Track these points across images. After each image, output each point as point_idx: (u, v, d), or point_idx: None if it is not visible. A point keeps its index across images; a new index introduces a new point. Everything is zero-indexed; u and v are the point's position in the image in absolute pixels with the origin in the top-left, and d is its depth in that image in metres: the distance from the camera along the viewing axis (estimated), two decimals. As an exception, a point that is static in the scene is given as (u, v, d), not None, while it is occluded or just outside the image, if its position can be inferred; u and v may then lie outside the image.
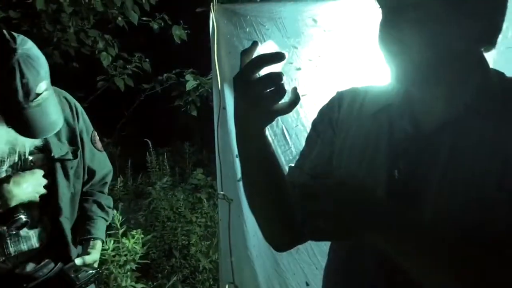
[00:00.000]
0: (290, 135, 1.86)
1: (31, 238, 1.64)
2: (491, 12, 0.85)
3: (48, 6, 3.56)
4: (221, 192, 2.00)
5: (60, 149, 1.64)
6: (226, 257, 1.99)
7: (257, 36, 1.95)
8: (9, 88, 1.34)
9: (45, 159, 1.62)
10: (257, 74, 0.83)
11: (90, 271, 1.65)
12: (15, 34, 1.40)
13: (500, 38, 0.90)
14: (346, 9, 1.79)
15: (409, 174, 0.88)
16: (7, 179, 1.51)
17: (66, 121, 1.64)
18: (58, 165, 1.64)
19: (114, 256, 2.89)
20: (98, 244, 1.78)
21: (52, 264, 1.70)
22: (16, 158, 1.56)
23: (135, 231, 3.07)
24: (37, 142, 1.56)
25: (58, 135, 1.63)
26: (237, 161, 1.94)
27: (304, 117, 1.85)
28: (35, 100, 1.39)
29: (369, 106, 1.00)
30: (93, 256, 1.73)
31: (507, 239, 0.77)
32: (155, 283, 3.34)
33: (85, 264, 1.67)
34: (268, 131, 0.95)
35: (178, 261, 3.59)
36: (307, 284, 1.85)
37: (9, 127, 1.43)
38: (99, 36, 4.02)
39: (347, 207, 0.79)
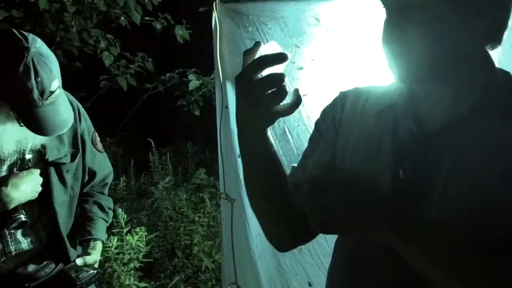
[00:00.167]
0: (292, 135, 1.86)
1: (30, 237, 1.64)
2: (495, 9, 0.84)
3: (51, 5, 3.57)
4: (224, 192, 2.00)
5: (58, 151, 1.63)
6: (229, 257, 1.99)
7: (260, 35, 1.94)
8: (24, 87, 1.35)
9: (40, 160, 1.62)
10: (259, 75, 0.83)
11: (91, 271, 1.65)
12: (25, 33, 1.41)
13: (505, 36, 0.90)
14: (349, 8, 1.78)
15: (414, 174, 0.88)
16: (5, 182, 1.50)
17: None
18: (51, 168, 1.63)
19: (117, 254, 2.89)
20: (99, 245, 1.78)
21: (53, 265, 1.71)
22: (16, 157, 1.56)
23: (139, 228, 3.07)
24: (39, 142, 1.55)
25: (60, 136, 1.62)
26: (240, 161, 1.93)
27: (306, 117, 1.84)
28: (49, 98, 1.40)
29: (372, 106, 0.99)
30: (94, 256, 1.73)
31: None
32: (157, 283, 3.34)
33: (85, 265, 1.68)
34: (269, 131, 0.94)
35: (181, 260, 3.59)
36: (310, 285, 1.84)
37: (22, 126, 1.43)
38: (101, 36, 4.02)
39: (351, 204, 0.79)
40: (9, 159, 1.54)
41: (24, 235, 1.63)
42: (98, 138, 1.82)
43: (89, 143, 1.75)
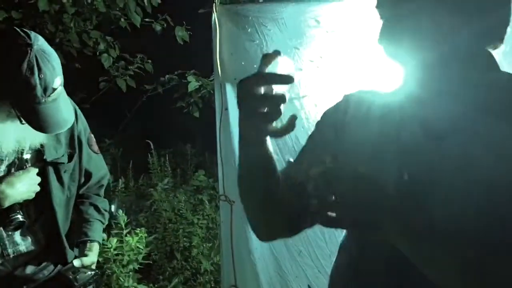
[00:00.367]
0: (290, 137, 1.85)
1: (28, 239, 1.63)
2: (495, 9, 0.85)
3: (50, 6, 3.57)
4: (223, 194, 1.99)
5: (55, 151, 1.63)
6: (228, 259, 1.98)
7: (259, 36, 1.94)
8: (28, 84, 1.35)
9: (38, 160, 1.62)
10: (260, 88, 0.83)
11: (89, 272, 1.65)
12: (26, 30, 1.41)
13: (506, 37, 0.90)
14: (349, 10, 1.78)
15: (418, 177, 0.87)
16: (0, 180, 1.50)
17: None
18: (50, 168, 1.63)
19: (116, 255, 2.88)
20: (95, 246, 1.78)
21: (52, 266, 1.70)
22: (15, 157, 1.56)
23: (138, 229, 3.06)
24: (38, 142, 1.55)
25: (57, 136, 1.62)
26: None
27: (305, 118, 1.84)
28: (51, 95, 1.40)
29: (377, 109, 0.99)
30: (91, 258, 1.73)
31: None
32: (156, 285, 3.33)
33: (83, 266, 1.67)
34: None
35: (180, 263, 3.58)
36: (309, 287, 1.84)
37: (23, 124, 1.43)
38: (101, 38, 4.02)
39: (358, 196, 0.80)
40: (7, 158, 1.54)
41: (22, 237, 1.62)
42: (94, 140, 1.81)
43: (85, 144, 1.75)
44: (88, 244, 1.76)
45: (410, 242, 0.80)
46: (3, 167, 1.54)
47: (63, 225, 1.70)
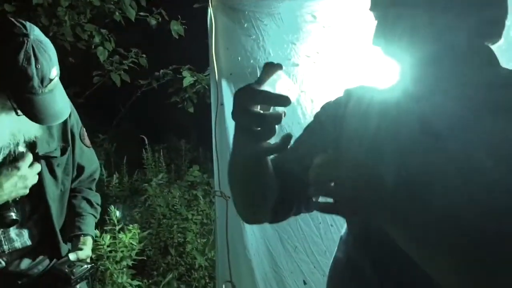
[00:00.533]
0: (286, 131, 1.84)
1: (23, 235, 1.62)
2: (492, 3, 0.84)
3: (44, -1, 3.54)
4: (219, 190, 1.98)
5: (48, 145, 1.61)
6: (223, 255, 1.98)
7: (255, 31, 1.93)
8: (25, 74, 1.33)
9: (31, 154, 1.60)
10: (255, 105, 0.82)
11: (85, 266, 1.64)
12: (22, 20, 1.39)
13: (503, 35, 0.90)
14: (346, 5, 1.77)
15: (417, 174, 0.87)
16: None
17: None
18: (42, 162, 1.61)
19: (110, 251, 2.86)
20: (89, 240, 1.76)
21: (47, 261, 1.69)
22: (9, 151, 1.54)
23: (132, 226, 3.05)
24: (33, 135, 1.53)
25: (50, 130, 1.61)
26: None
27: (301, 114, 1.83)
28: (48, 86, 1.39)
29: (377, 105, 0.99)
30: (86, 251, 1.72)
31: None
32: (150, 281, 3.32)
33: (78, 260, 1.66)
34: None
35: (174, 258, 3.57)
36: (305, 283, 1.84)
37: (19, 115, 1.41)
38: (96, 31, 3.99)
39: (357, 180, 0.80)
40: (2, 152, 1.52)
41: (17, 233, 1.61)
42: (86, 134, 1.80)
43: (77, 137, 1.74)
44: (81, 238, 1.74)
45: (405, 232, 0.80)
46: (-2, 160, 1.53)
47: (58, 219, 1.69)
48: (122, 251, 2.88)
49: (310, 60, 1.83)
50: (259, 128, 0.82)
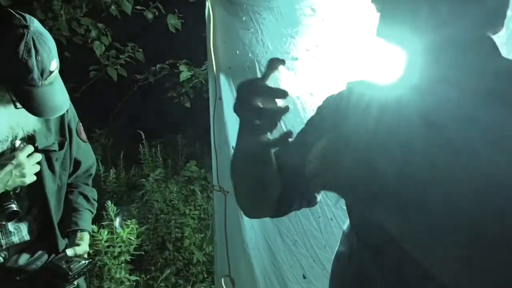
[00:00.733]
0: (286, 126, 1.84)
1: (21, 230, 1.61)
2: None
3: (40, -7, 3.51)
4: (217, 184, 1.98)
5: (46, 139, 1.60)
6: (222, 250, 1.97)
7: (254, 25, 1.91)
8: (25, 66, 1.32)
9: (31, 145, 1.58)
10: (256, 98, 0.83)
11: (83, 261, 1.63)
12: (21, 12, 1.37)
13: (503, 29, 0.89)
14: (345, -2, 1.76)
15: (418, 168, 0.86)
16: None
17: None
18: (42, 156, 1.60)
19: (108, 247, 2.86)
20: (86, 236, 1.76)
21: (46, 256, 1.68)
22: (7, 145, 1.52)
23: (129, 221, 3.04)
24: (31, 128, 1.52)
25: (47, 124, 1.60)
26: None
27: (301, 108, 1.82)
28: (48, 78, 1.38)
29: (379, 97, 0.98)
30: (83, 247, 1.71)
31: None
32: (148, 276, 3.32)
33: (76, 255, 1.65)
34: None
35: (172, 253, 3.57)
36: (304, 277, 1.84)
37: (18, 108, 1.40)
38: (92, 25, 3.96)
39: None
40: (1, 146, 1.50)
41: (15, 227, 1.59)
42: (82, 128, 1.79)
43: (74, 132, 1.73)
44: (78, 234, 1.74)
45: (405, 227, 0.80)
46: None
47: (56, 214, 1.69)
48: (120, 246, 2.87)
49: (309, 53, 1.82)
50: (259, 122, 0.82)
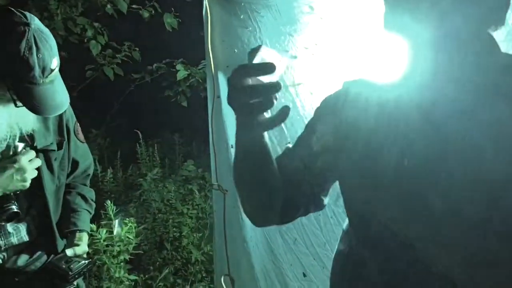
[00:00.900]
0: (285, 124, 1.83)
1: (20, 231, 1.60)
2: None
3: (35, -8, 3.49)
4: (217, 183, 1.97)
5: (45, 139, 1.60)
6: (221, 249, 1.97)
7: (252, 23, 1.91)
8: (26, 64, 1.31)
9: (30, 147, 1.57)
10: (247, 80, 0.83)
11: (82, 262, 1.63)
12: (21, 10, 1.37)
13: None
14: (343, -4, 1.75)
15: (418, 164, 0.87)
16: None
17: None
18: (41, 156, 1.59)
19: (107, 246, 2.85)
20: (85, 236, 1.75)
21: (45, 257, 1.67)
22: (6, 145, 1.51)
23: (128, 219, 3.03)
24: (30, 128, 1.51)
25: (46, 123, 1.59)
26: (232, 151, 1.91)
27: (300, 106, 1.82)
28: (49, 76, 1.37)
29: (377, 97, 0.98)
30: (83, 247, 1.71)
31: None
32: (146, 275, 3.31)
33: (76, 255, 1.65)
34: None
35: (170, 253, 3.56)
36: (304, 275, 1.83)
37: (18, 107, 1.39)
38: (88, 24, 3.94)
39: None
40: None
41: (14, 228, 1.59)
42: (80, 129, 1.79)
43: (72, 132, 1.73)
44: (77, 234, 1.73)
45: (405, 224, 0.80)
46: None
47: (54, 215, 1.68)
48: (119, 245, 2.86)
49: (308, 51, 1.82)
50: (254, 100, 0.82)
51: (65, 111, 1.65)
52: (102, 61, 4.29)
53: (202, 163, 4.49)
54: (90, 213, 1.85)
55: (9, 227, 1.57)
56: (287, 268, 1.86)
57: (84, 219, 1.78)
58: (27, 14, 1.36)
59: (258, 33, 1.89)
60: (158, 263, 3.51)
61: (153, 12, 4.21)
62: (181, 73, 4.01)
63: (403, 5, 0.88)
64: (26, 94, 1.37)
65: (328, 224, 1.77)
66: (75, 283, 1.64)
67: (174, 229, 3.66)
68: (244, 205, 1.11)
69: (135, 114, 5.55)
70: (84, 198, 1.82)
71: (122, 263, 2.88)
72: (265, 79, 0.84)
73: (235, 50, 1.95)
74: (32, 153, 1.52)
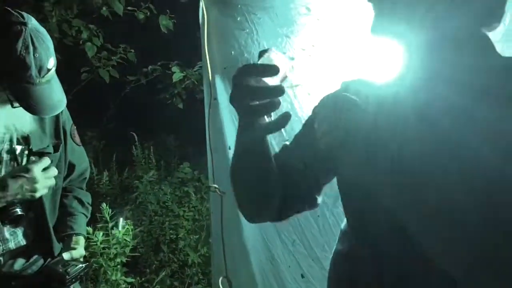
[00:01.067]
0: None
1: (17, 235, 1.59)
2: None
3: (30, -5, 3.47)
4: (213, 185, 1.96)
5: (41, 141, 1.58)
6: (219, 250, 1.96)
7: (249, 25, 1.91)
8: (23, 63, 1.31)
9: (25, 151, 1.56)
10: (250, 80, 0.84)
11: (79, 265, 1.62)
12: (18, 10, 1.37)
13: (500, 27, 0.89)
14: (340, -3, 1.76)
15: (413, 162, 0.87)
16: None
17: None
18: (36, 158, 1.58)
19: (103, 248, 2.83)
20: (81, 240, 1.75)
21: (42, 261, 1.66)
22: (3, 146, 1.50)
23: (124, 221, 3.01)
24: (27, 129, 1.50)
25: (42, 126, 1.58)
26: (230, 153, 1.91)
27: (298, 108, 1.82)
28: (45, 76, 1.37)
29: (375, 96, 0.98)
30: (80, 250, 1.70)
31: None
32: (143, 278, 3.30)
33: (72, 259, 1.64)
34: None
35: (167, 255, 3.55)
36: (303, 277, 1.83)
37: (14, 107, 1.38)
38: (83, 26, 3.93)
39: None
40: None
41: (11, 233, 1.57)
42: (76, 131, 1.78)
43: (69, 135, 1.72)
44: (74, 238, 1.73)
45: (404, 223, 0.80)
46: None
47: (51, 218, 1.67)
48: (115, 248, 2.84)
49: (305, 53, 1.82)
50: (257, 102, 0.83)
51: (61, 113, 1.64)
52: (97, 63, 4.28)
53: (198, 165, 4.49)
54: (87, 217, 1.84)
55: (6, 232, 1.55)
56: (285, 270, 1.85)
57: (80, 222, 1.77)
58: (24, 14, 1.35)
59: (255, 35, 1.89)
60: (154, 265, 3.50)
61: (148, 14, 4.21)
62: (177, 75, 4.01)
63: (397, 9, 0.88)
64: (23, 94, 1.36)
65: (326, 225, 1.77)
66: (72, 287, 1.63)
67: (170, 231, 3.66)
68: (239, 201, 1.11)
69: (130, 116, 5.54)
70: (80, 201, 1.81)
71: (118, 266, 2.87)
72: (269, 81, 0.84)
73: (232, 52, 1.95)
74: (46, 161, 1.49)
